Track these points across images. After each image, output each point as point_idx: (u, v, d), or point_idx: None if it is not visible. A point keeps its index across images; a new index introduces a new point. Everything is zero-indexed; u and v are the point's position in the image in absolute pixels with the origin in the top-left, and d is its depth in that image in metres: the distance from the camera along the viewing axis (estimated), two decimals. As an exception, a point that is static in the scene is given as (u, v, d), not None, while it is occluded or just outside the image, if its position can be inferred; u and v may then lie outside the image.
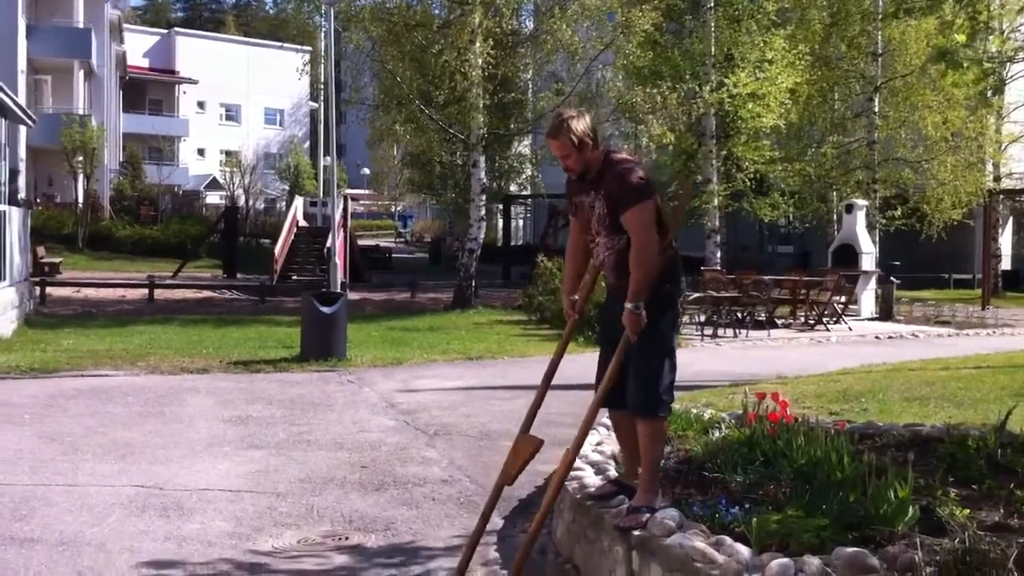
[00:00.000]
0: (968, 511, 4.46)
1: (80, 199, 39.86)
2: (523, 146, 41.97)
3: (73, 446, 7.61)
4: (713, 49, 24.04)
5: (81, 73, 43.36)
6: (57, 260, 30.29)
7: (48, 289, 22.28)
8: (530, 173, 42.17)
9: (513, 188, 43.66)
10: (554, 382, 4.93)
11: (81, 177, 39.81)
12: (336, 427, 8.54)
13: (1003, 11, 25.24)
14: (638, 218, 4.59)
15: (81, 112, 41.66)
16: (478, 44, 21.33)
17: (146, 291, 23.39)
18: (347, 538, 5.42)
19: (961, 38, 8.51)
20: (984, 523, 4.45)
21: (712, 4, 23.98)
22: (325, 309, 12.88)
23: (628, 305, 4.55)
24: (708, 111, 23.72)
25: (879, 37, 25.54)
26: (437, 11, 24.29)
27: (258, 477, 6.72)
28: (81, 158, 39.18)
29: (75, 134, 38.26)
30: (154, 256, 37.34)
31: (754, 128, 23.82)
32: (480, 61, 21.25)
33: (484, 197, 22.90)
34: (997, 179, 30.92)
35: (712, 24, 24.00)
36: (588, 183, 4.79)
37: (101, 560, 5.03)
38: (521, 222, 57.42)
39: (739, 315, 18.32)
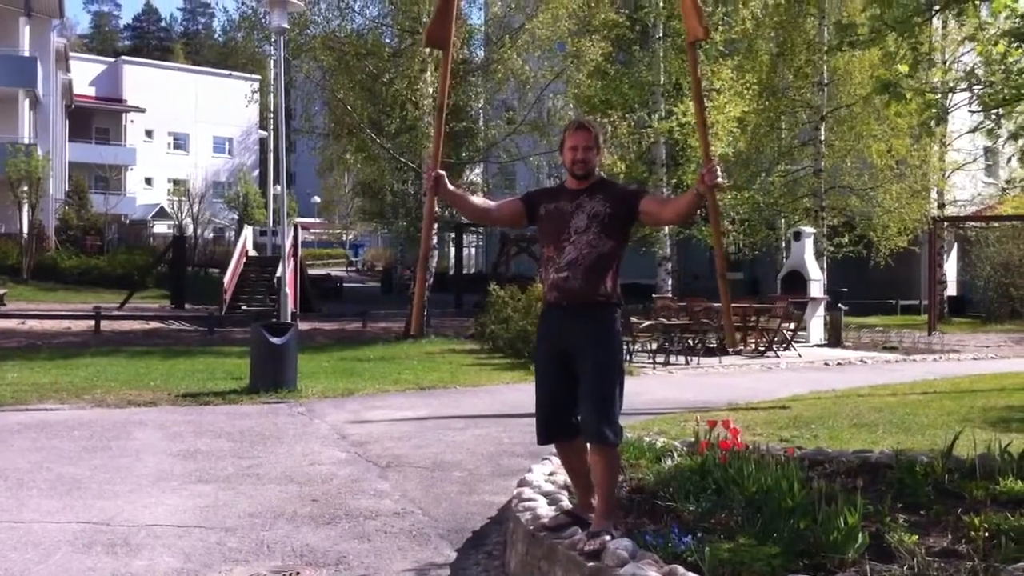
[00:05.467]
0: (917, 537, 4.51)
1: (25, 229, 39.28)
2: (475, 175, 41.97)
3: (18, 482, 7.45)
4: (662, 78, 24.31)
5: (26, 102, 42.82)
6: (1, 291, 29.81)
7: (-8, 321, 21.94)
8: (482, 202, 42.00)
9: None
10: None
11: (26, 207, 39.24)
12: (286, 460, 8.44)
13: (944, 42, 25.77)
14: (655, 196, 5.33)
15: (26, 141, 41.03)
16: (429, 73, 21.38)
17: (92, 322, 23.07)
18: (298, 573, 5.35)
19: (904, 68, 8.70)
20: (932, 549, 4.50)
21: (660, 34, 24.26)
22: (275, 340, 12.74)
23: (697, 189, 4.73)
24: (658, 140, 23.94)
25: (824, 67, 25.94)
26: (388, 40, 24.29)
27: (207, 512, 6.62)
28: (26, 188, 38.64)
29: (20, 164, 37.73)
30: (101, 287, 36.83)
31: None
32: (431, 90, 21.28)
33: (436, 225, 22.87)
34: (941, 206, 31.46)
35: (661, 54, 24.27)
36: (577, 192, 5.02)
37: (45, 599, 4.93)
38: (473, 250, 57.45)
39: (690, 342, 18.43)
